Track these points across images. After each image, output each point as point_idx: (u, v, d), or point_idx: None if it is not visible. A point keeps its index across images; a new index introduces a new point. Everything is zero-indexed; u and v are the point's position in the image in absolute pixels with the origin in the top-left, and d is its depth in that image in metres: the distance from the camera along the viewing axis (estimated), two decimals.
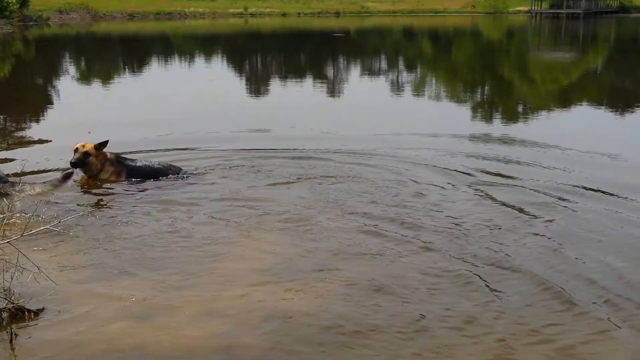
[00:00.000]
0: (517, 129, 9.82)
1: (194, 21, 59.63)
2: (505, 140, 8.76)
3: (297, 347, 3.63)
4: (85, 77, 17.36)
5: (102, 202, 7.43)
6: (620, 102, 13.14)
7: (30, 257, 4.82)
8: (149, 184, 7.16)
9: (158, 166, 7.75)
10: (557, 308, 3.99)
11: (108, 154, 7.68)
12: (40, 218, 6.31)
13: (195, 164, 7.54)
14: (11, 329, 4.02)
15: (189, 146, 8.37)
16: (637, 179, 6.89)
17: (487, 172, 6.95)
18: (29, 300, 4.31)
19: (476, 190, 6.32)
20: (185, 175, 7.56)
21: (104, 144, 7.68)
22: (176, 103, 12.17)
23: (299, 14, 77.05)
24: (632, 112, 11.84)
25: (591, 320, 3.84)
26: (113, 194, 7.12)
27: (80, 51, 26.99)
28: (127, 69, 20.20)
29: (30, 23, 47.24)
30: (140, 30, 44.55)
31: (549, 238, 5.10)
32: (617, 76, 18.68)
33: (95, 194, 7.19)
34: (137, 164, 7.76)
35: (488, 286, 4.29)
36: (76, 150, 7.62)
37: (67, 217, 6.68)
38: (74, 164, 7.49)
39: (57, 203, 6.62)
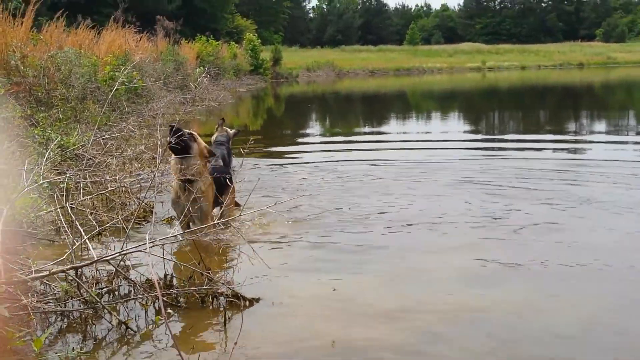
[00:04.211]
0: None
1: (431, 77, 60.89)
2: None
3: None
4: (328, 132, 18.72)
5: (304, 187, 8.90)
6: None
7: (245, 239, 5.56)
8: None
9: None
10: None
11: None
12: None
13: None
14: (226, 314, 4.40)
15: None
16: None
17: None
18: (243, 286, 4.79)
19: None
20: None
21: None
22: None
23: (539, 66, 75.01)
24: None
25: None
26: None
27: (324, 109, 29.13)
28: (366, 126, 21.38)
29: (281, 80, 52.01)
30: (380, 87, 46.62)
31: None
32: None
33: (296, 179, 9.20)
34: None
35: None
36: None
37: (281, 198, 7.37)
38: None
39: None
